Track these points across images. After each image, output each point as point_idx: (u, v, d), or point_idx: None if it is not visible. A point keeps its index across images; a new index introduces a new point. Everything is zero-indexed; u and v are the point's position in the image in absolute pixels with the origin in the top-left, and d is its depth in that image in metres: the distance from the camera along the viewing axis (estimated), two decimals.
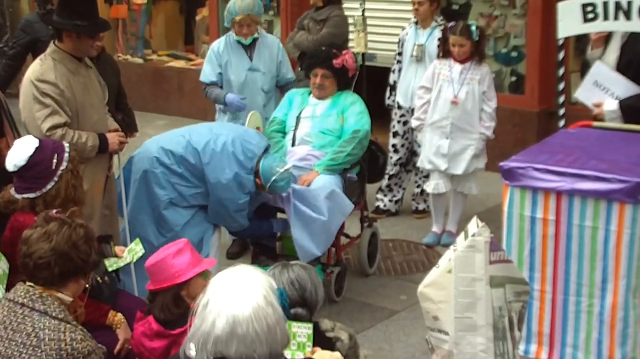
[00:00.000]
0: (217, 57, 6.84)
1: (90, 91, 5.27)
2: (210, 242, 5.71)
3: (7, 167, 4.33)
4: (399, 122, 7.66)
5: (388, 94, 7.75)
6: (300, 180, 5.94)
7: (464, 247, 3.59)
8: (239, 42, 6.79)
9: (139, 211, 5.60)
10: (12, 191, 4.33)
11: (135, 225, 5.54)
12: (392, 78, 7.74)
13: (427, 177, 7.41)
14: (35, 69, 5.13)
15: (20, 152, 4.30)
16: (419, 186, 7.72)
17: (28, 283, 3.38)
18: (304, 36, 7.73)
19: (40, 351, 3.19)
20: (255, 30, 6.77)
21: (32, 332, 3.23)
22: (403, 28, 7.68)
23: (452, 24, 6.90)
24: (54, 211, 3.53)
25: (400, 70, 7.63)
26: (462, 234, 3.66)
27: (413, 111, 7.41)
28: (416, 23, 7.48)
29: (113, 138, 5.29)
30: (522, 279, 3.76)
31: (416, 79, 7.39)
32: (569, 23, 5.61)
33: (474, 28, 6.74)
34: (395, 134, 7.68)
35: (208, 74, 6.89)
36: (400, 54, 7.63)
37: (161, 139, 5.79)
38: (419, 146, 7.33)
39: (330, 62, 6.20)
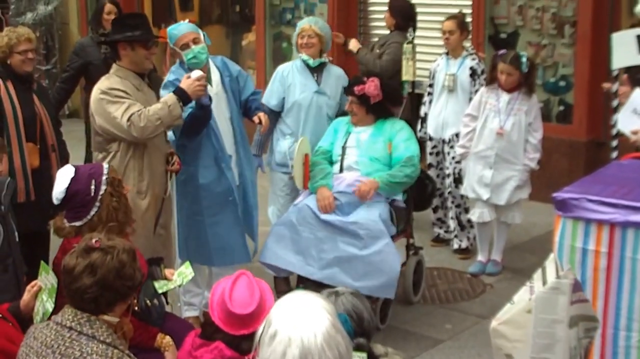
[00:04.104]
0: (281, 81, 6.73)
1: None
2: None
3: (53, 201, 4.39)
4: (430, 153, 7.67)
5: (419, 126, 7.73)
6: (359, 191, 5.93)
7: (548, 288, 3.55)
8: (305, 63, 6.69)
9: None
10: (64, 219, 4.38)
11: None
12: (423, 110, 7.75)
13: (466, 210, 7.38)
14: (102, 83, 5.32)
15: (58, 184, 4.35)
16: (459, 222, 7.59)
17: None
18: (368, 55, 7.67)
19: None
20: (316, 45, 6.65)
21: (80, 356, 3.19)
22: (435, 59, 7.68)
23: (502, 51, 6.88)
24: (94, 240, 3.48)
25: (431, 102, 7.64)
26: (539, 271, 3.63)
27: (443, 141, 7.45)
28: (447, 53, 7.49)
29: (189, 86, 5.34)
30: (594, 317, 3.73)
31: (446, 109, 7.42)
32: (623, 53, 5.58)
33: (524, 59, 6.71)
34: (430, 166, 7.67)
35: (268, 95, 6.76)
36: (431, 85, 7.64)
37: None
38: (454, 174, 7.32)
39: (352, 89, 6.23)
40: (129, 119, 5.13)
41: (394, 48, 7.67)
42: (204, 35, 5.89)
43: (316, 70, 6.73)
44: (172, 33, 5.82)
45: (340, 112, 6.84)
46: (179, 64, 5.92)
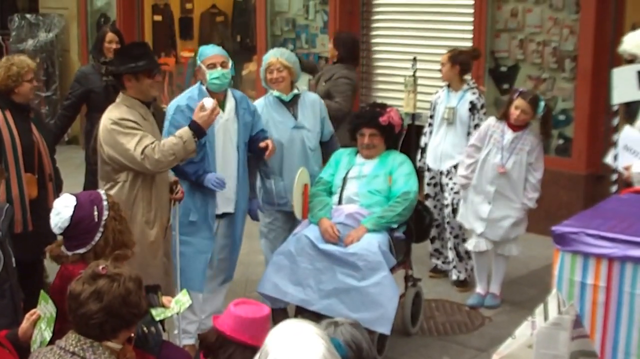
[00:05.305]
0: None
1: (156, 137, 5.41)
2: None
3: (53, 230, 4.38)
4: (428, 184, 7.67)
5: (419, 156, 7.75)
6: (348, 237, 5.94)
7: (549, 323, 3.54)
8: (279, 99, 6.45)
9: None
10: (63, 248, 4.37)
11: None
12: (423, 140, 7.78)
13: (464, 241, 7.39)
14: (112, 112, 5.35)
15: (61, 213, 4.33)
16: (457, 253, 7.56)
17: None
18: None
19: None
20: (287, 78, 6.40)
21: None
22: (436, 92, 7.72)
23: (522, 88, 6.95)
24: (101, 267, 3.50)
25: (431, 133, 7.67)
26: (541, 306, 3.62)
27: (441, 172, 7.49)
28: (448, 86, 7.52)
29: (200, 118, 5.39)
30: (593, 352, 3.71)
31: (445, 141, 7.44)
32: (624, 89, 5.59)
33: (542, 103, 6.74)
34: (427, 196, 7.67)
35: None
36: (432, 116, 7.67)
37: None
38: (453, 205, 7.36)
39: (377, 121, 6.21)
40: (142, 152, 5.17)
41: (343, 86, 7.70)
42: (232, 64, 5.96)
43: (291, 104, 6.50)
44: (205, 51, 5.93)
45: (328, 138, 6.76)
46: (199, 85, 5.94)
